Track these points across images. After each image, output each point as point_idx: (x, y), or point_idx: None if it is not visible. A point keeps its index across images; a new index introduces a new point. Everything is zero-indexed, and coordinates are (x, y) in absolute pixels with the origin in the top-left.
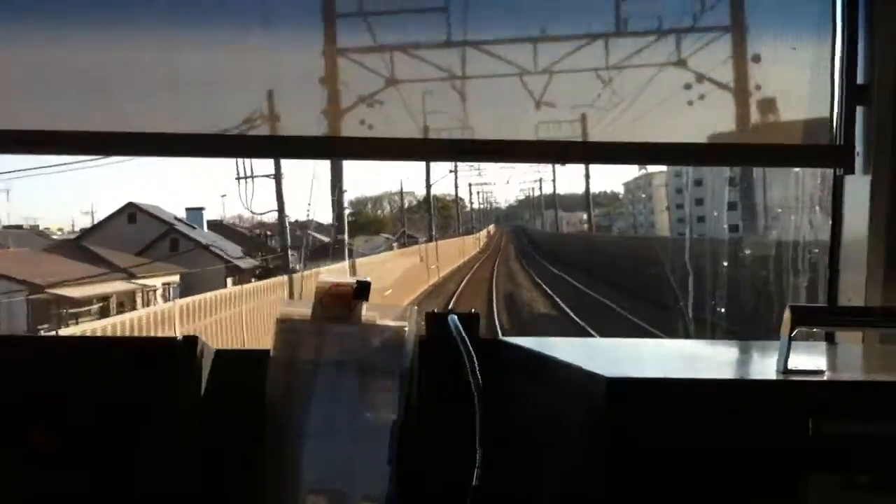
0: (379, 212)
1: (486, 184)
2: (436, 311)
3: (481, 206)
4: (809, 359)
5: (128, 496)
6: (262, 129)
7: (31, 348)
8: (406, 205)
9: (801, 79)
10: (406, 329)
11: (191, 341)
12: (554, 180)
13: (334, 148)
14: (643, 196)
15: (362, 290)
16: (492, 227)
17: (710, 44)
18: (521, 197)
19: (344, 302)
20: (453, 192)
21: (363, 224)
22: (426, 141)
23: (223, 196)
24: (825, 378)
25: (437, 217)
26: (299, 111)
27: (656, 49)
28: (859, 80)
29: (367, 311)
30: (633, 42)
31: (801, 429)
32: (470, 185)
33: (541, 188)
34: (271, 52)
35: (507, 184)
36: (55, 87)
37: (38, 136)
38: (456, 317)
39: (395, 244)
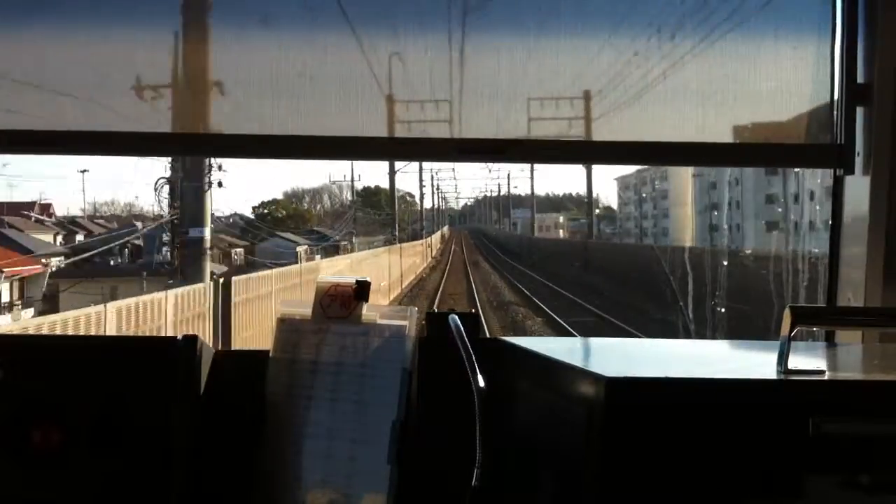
0: (319, 206)
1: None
2: (436, 310)
3: (436, 205)
4: (809, 359)
5: (127, 496)
6: (261, 128)
7: (31, 348)
8: (347, 199)
9: (801, 79)
10: (406, 329)
11: (190, 341)
12: (588, 175)
13: (333, 148)
14: (651, 194)
15: (362, 289)
16: (446, 230)
17: (710, 43)
18: (479, 196)
19: (344, 302)
20: (410, 188)
21: (280, 219)
22: (426, 140)
23: (83, 171)
24: (825, 378)
25: (375, 214)
26: (297, 111)
27: (656, 48)
28: (859, 79)
29: (367, 311)
30: (632, 42)
31: (801, 429)
32: (420, 164)
33: (534, 186)
34: (271, 52)
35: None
36: (55, 87)
37: (39, 136)
38: (456, 316)
39: (303, 250)
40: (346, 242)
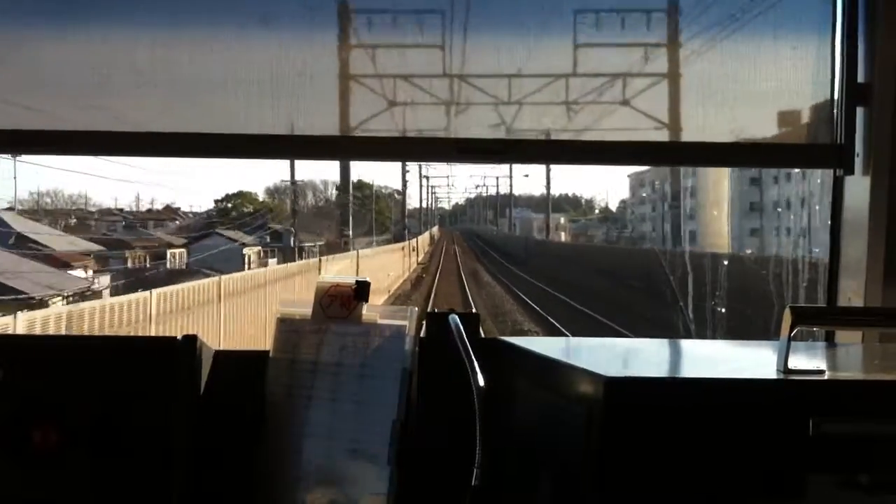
0: (302, 202)
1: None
2: (436, 310)
3: (425, 202)
4: (809, 359)
5: (127, 496)
6: (261, 128)
7: (31, 348)
8: (333, 195)
9: (801, 79)
10: (406, 329)
11: (190, 341)
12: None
13: (334, 148)
14: (674, 191)
15: (362, 290)
16: (435, 230)
17: (710, 43)
18: (471, 195)
19: (344, 302)
20: (394, 184)
21: (246, 216)
22: (426, 141)
23: None
24: (825, 378)
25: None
26: (297, 111)
27: (657, 49)
28: (859, 80)
29: (367, 311)
30: (632, 42)
31: (801, 429)
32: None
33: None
34: (271, 52)
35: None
36: (54, 87)
37: (38, 136)
38: (457, 316)
39: (255, 252)
40: (317, 243)
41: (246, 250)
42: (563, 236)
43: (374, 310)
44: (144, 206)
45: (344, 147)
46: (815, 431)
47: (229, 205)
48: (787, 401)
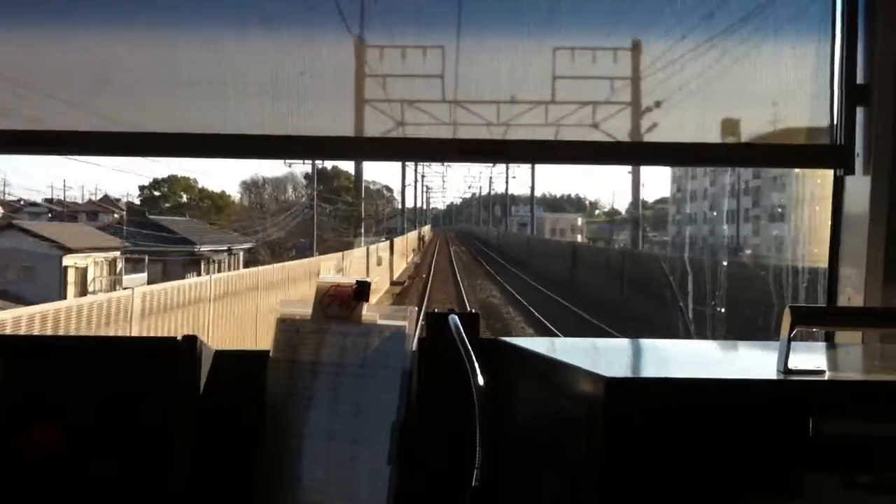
0: (282, 197)
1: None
2: (436, 310)
3: (411, 196)
4: (809, 359)
5: (127, 495)
6: (261, 128)
7: (31, 348)
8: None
9: (801, 79)
10: (406, 329)
11: (190, 341)
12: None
13: (334, 148)
14: (751, 184)
15: (362, 290)
16: (427, 230)
17: (710, 43)
18: (466, 194)
19: (344, 302)
20: (388, 178)
21: (179, 206)
22: (426, 141)
23: None
24: (825, 378)
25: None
26: (297, 111)
27: (657, 49)
28: (859, 80)
29: (367, 311)
30: (632, 42)
31: (801, 429)
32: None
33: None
34: (271, 52)
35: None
36: (55, 87)
37: (39, 136)
38: (456, 317)
39: (95, 264)
40: (239, 249)
41: (70, 260)
42: (578, 239)
43: (373, 310)
44: (87, 197)
45: (344, 147)
46: (815, 431)
47: (156, 192)
48: (787, 401)
